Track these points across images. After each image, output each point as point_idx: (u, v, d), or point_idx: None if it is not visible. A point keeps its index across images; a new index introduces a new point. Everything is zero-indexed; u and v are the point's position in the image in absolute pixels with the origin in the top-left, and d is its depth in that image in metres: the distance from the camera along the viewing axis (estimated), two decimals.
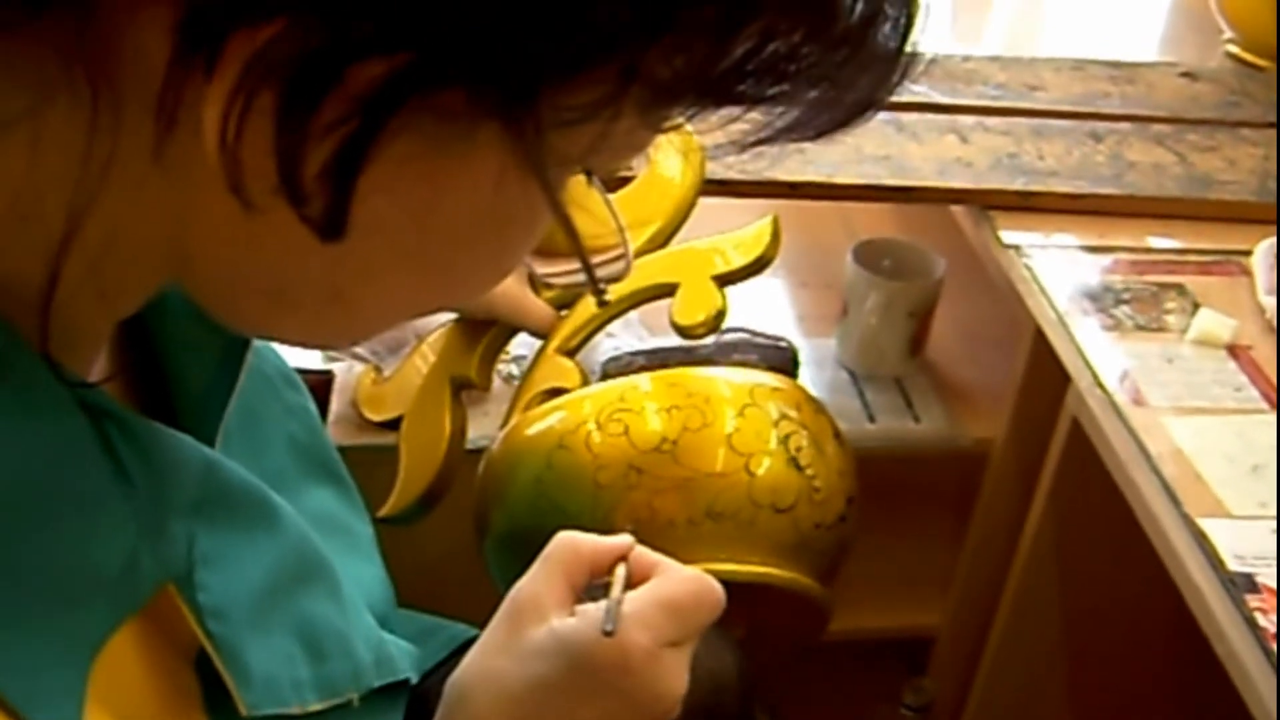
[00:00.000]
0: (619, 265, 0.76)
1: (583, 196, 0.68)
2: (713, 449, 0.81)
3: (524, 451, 0.86)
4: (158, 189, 0.35)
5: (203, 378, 0.51)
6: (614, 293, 0.92)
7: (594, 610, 0.57)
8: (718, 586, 0.59)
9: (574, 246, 0.44)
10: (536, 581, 0.59)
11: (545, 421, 0.86)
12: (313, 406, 0.67)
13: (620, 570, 0.60)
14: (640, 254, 0.92)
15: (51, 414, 0.37)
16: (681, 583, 0.59)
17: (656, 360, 1.16)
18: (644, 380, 0.85)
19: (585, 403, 0.85)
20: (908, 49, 0.37)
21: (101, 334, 0.42)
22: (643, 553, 0.61)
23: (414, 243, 0.38)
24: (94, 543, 0.38)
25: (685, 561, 0.81)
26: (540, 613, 0.57)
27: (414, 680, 0.66)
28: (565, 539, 0.61)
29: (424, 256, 0.39)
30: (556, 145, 0.35)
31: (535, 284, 0.96)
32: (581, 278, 0.64)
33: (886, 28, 0.36)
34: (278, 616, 0.48)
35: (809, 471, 0.83)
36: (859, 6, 0.35)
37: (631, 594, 0.58)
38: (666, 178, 0.93)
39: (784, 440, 0.82)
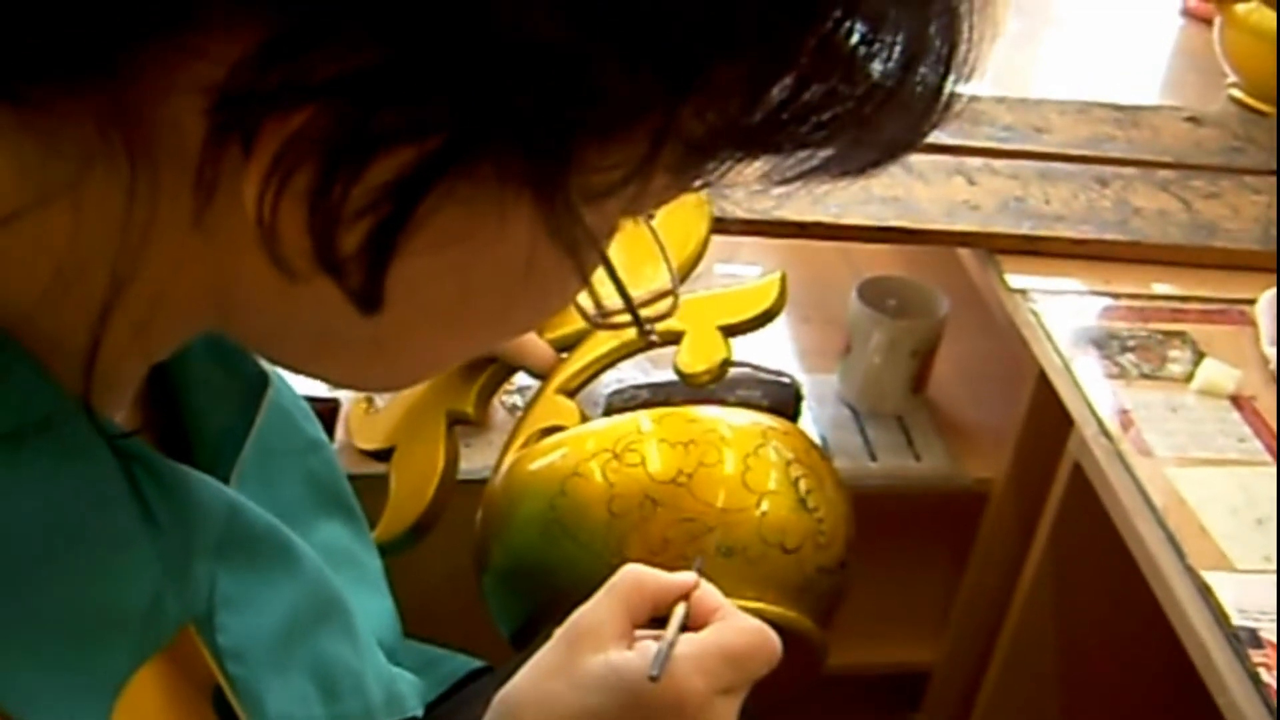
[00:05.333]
0: (664, 304, 0.77)
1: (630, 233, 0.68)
2: (728, 485, 0.81)
3: (528, 484, 0.86)
4: (199, 252, 0.36)
5: (222, 418, 0.51)
6: (616, 338, 0.92)
7: (654, 647, 0.57)
8: (775, 638, 0.59)
9: (618, 292, 0.45)
10: (599, 610, 0.59)
11: (548, 457, 0.86)
12: (327, 439, 0.67)
13: (680, 610, 0.60)
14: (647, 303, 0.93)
15: (87, 461, 0.37)
16: (742, 633, 0.59)
17: (660, 394, 1.17)
18: (652, 416, 0.86)
19: (589, 439, 0.86)
20: (945, 90, 0.37)
21: (137, 378, 0.43)
22: (705, 594, 0.61)
23: (453, 303, 0.39)
24: (120, 584, 0.38)
25: None
26: (599, 642, 0.58)
27: (427, 703, 0.66)
28: (631, 571, 0.61)
29: (464, 314, 0.40)
30: (590, 213, 0.35)
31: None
32: (628, 317, 0.64)
33: (924, 69, 0.36)
34: (294, 657, 0.49)
35: (817, 514, 0.83)
36: (895, 51, 0.35)
37: (692, 637, 0.58)
38: (675, 225, 0.94)
39: (794, 482, 0.83)
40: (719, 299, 0.91)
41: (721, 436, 0.83)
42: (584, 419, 0.91)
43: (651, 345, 0.93)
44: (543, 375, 0.95)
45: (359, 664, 0.54)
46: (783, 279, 0.90)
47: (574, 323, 0.94)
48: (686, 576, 0.62)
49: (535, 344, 0.94)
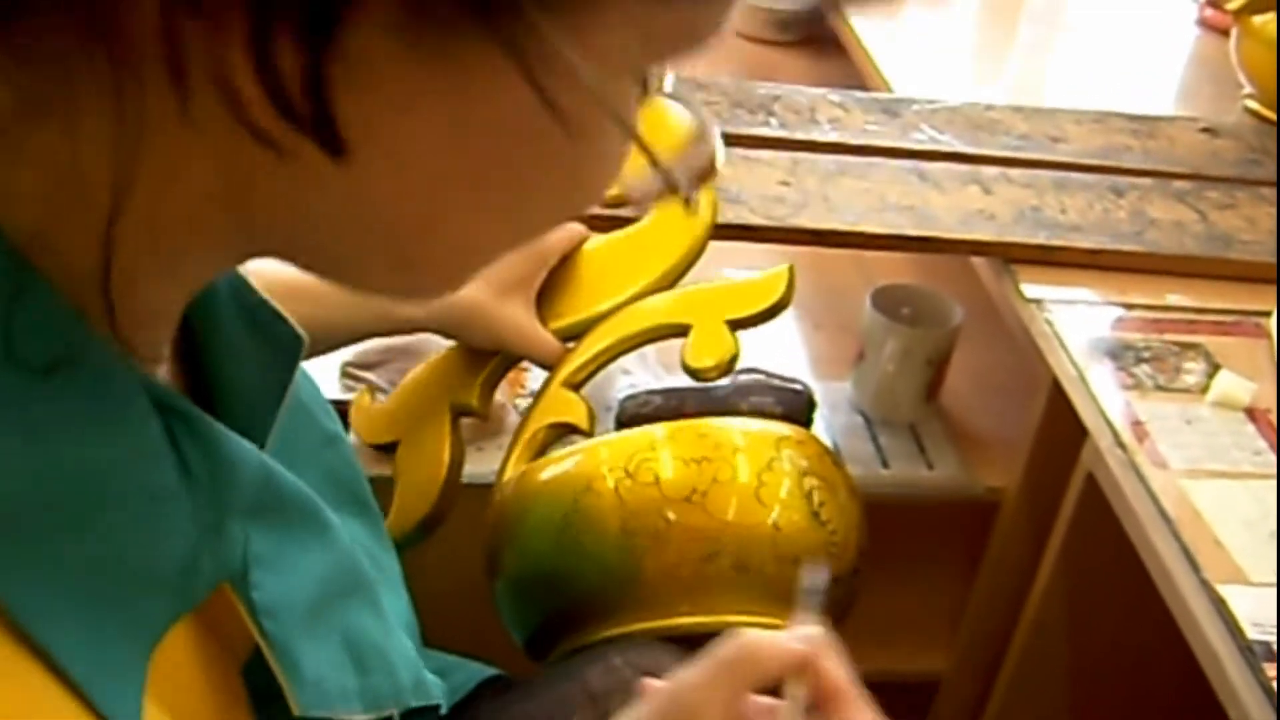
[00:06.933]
0: (703, 154, 0.72)
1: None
2: (741, 501, 0.81)
3: (540, 496, 0.85)
4: (195, 151, 0.35)
5: (253, 385, 0.51)
6: (623, 330, 0.92)
7: None
8: None
9: (642, 152, 0.42)
10: (702, 687, 0.54)
11: (560, 466, 0.86)
12: (345, 434, 0.67)
13: (797, 693, 0.54)
14: (649, 293, 0.92)
15: (123, 406, 0.37)
16: None
17: (674, 399, 1.17)
18: (664, 430, 0.85)
19: (602, 449, 0.85)
20: None
21: (172, 313, 0.42)
22: (825, 672, 0.56)
23: (467, 172, 0.37)
24: (157, 537, 0.38)
25: (708, 613, 0.81)
26: None
27: (444, 710, 0.66)
28: (744, 642, 0.55)
29: (485, 183, 0.38)
30: (563, 45, 0.34)
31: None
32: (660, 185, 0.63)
33: None
34: (326, 625, 0.48)
35: (829, 526, 0.83)
36: None
37: None
38: (679, 217, 0.93)
39: (807, 495, 0.83)
40: (725, 291, 0.90)
41: (735, 450, 0.83)
42: (591, 415, 0.91)
43: (657, 339, 0.92)
44: (550, 366, 0.94)
45: (386, 643, 0.54)
46: (790, 271, 0.89)
47: (579, 311, 0.93)
48: (804, 640, 0.56)
49: (542, 335, 0.93)
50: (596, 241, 0.97)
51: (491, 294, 0.90)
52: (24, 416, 0.34)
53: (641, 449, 0.83)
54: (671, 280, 0.93)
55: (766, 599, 0.81)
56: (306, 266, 0.41)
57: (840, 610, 0.87)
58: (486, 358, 0.96)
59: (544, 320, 0.94)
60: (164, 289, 0.40)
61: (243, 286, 0.49)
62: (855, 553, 0.86)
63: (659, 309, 0.91)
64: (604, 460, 0.83)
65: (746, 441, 0.84)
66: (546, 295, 0.95)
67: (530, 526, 0.85)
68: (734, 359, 0.88)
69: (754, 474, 0.82)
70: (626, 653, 0.75)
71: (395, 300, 0.48)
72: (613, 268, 0.95)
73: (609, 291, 0.94)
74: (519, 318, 0.91)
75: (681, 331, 0.90)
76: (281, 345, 0.51)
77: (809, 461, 0.85)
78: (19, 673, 0.33)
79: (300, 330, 0.52)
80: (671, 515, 0.80)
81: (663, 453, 0.83)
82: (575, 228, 0.96)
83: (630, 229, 0.95)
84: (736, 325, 0.89)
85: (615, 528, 0.81)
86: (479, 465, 1.08)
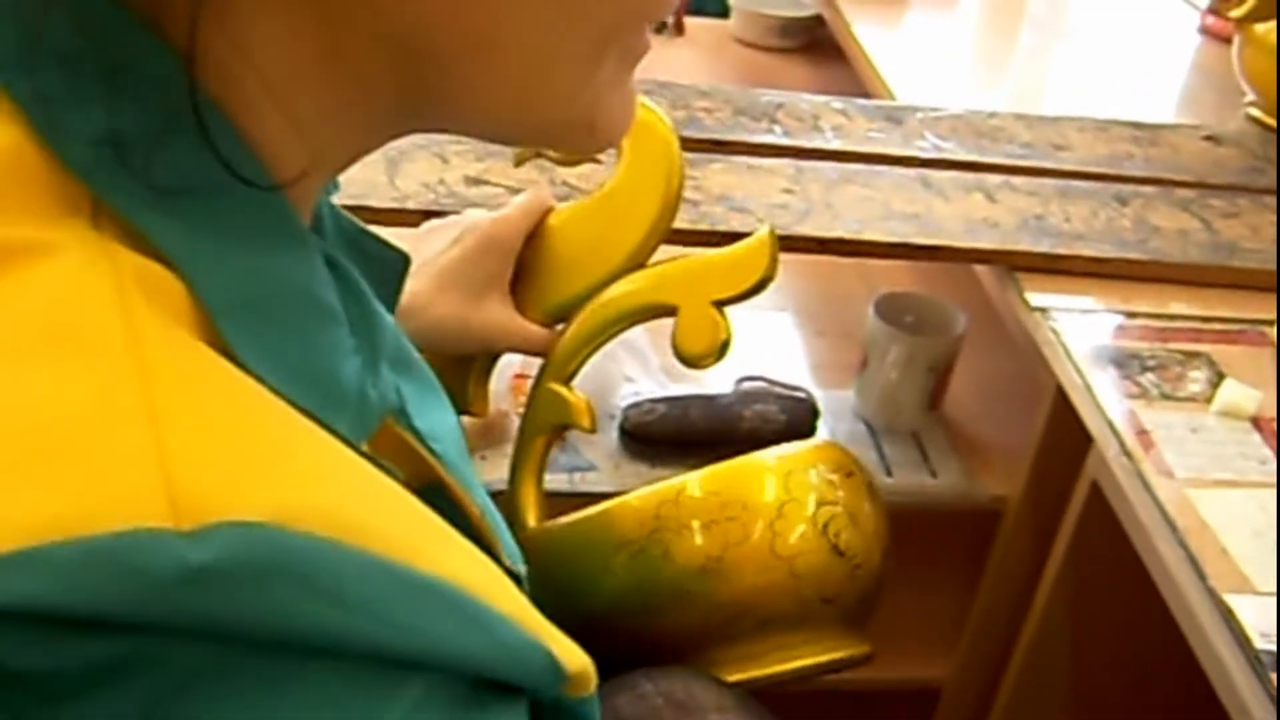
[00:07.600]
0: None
1: None
2: (758, 561, 0.79)
3: (556, 563, 0.83)
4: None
5: None
6: (606, 315, 0.86)
7: None
8: None
9: None
10: None
11: (576, 535, 0.83)
12: None
13: None
14: (629, 267, 0.87)
15: (301, 238, 0.38)
16: None
17: (678, 408, 1.17)
18: (671, 497, 0.82)
19: (614, 512, 0.82)
20: None
21: (310, 194, 0.42)
22: None
23: None
24: (338, 355, 0.38)
25: (737, 667, 0.80)
26: None
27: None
28: None
29: None
30: None
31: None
32: None
33: None
34: (468, 473, 0.50)
35: (849, 552, 0.81)
36: None
37: None
38: (646, 178, 0.87)
39: (824, 529, 0.80)
40: (709, 269, 0.85)
41: (745, 507, 0.80)
42: (590, 412, 0.86)
43: (642, 320, 0.87)
44: (543, 353, 0.89)
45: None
46: (771, 236, 0.83)
47: (559, 292, 0.89)
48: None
49: (524, 328, 0.89)
50: (563, 212, 0.91)
51: (465, 301, 0.86)
52: (228, 230, 0.35)
53: (647, 520, 0.81)
54: (649, 249, 0.87)
55: (794, 646, 0.80)
56: (440, 126, 0.42)
57: (869, 609, 0.86)
58: (470, 357, 0.91)
59: (524, 307, 0.89)
60: (298, 157, 0.39)
61: (341, 217, 0.50)
62: (880, 558, 0.84)
63: (641, 289, 0.86)
64: (619, 529, 0.81)
65: (756, 489, 0.81)
66: (521, 279, 0.90)
67: (549, 590, 0.84)
68: (726, 345, 0.83)
69: (768, 527, 0.79)
70: (657, 680, 0.75)
71: (560, 147, 0.48)
72: (584, 240, 0.89)
73: (585, 266, 0.89)
74: (499, 317, 0.87)
75: (667, 312, 0.85)
76: (385, 264, 0.53)
77: (823, 486, 0.82)
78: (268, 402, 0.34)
79: (405, 249, 0.53)
80: (690, 588, 0.79)
81: (675, 521, 0.80)
82: (538, 199, 0.91)
83: (595, 195, 0.90)
84: (724, 304, 0.84)
85: (634, 604, 0.80)
86: (483, 474, 1.09)
